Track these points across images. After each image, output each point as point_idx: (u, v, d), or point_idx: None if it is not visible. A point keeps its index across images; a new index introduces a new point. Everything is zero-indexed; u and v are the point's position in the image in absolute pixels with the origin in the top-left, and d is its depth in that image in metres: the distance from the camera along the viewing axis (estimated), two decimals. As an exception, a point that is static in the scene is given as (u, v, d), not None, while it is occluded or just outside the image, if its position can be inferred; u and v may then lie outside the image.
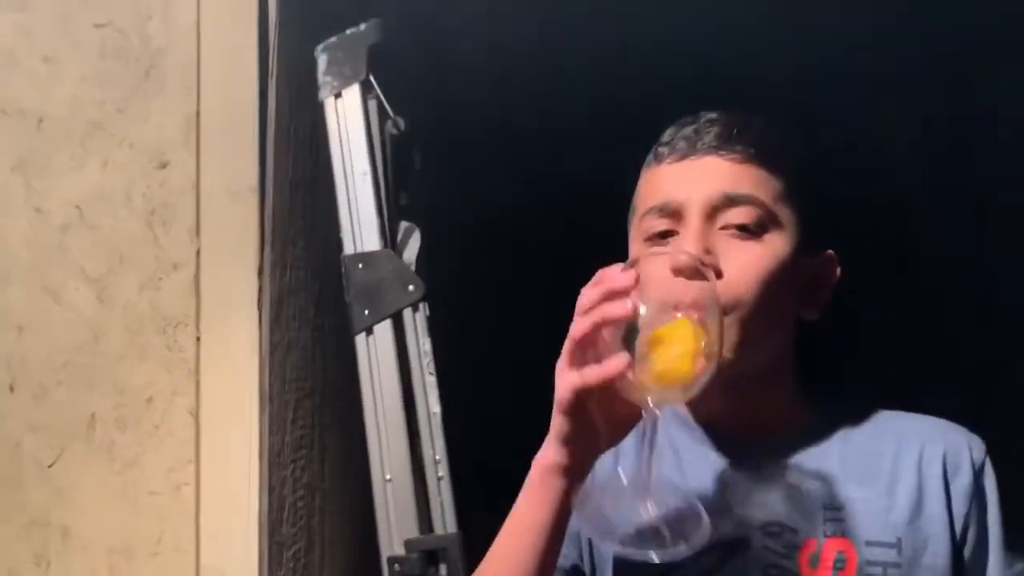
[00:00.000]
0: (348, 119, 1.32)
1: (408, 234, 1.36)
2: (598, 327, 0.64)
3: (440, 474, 1.25)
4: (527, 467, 1.01)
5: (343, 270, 1.29)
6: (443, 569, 1.21)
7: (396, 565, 1.21)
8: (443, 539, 1.22)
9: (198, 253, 1.21)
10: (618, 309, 0.63)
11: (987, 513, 0.78)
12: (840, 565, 0.74)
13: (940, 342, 1.93)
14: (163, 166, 1.22)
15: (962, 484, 0.77)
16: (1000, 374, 1.84)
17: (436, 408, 1.27)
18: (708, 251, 0.75)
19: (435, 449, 1.26)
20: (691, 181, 0.78)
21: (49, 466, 1.19)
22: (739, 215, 0.77)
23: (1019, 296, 1.87)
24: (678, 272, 0.70)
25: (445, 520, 1.23)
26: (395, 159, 1.41)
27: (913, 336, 1.92)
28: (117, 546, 1.18)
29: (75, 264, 1.21)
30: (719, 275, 0.74)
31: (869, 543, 0.75)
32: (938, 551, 0.76)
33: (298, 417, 1.33)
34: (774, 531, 0.76)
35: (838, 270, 0.85)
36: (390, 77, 1.36)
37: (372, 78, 1.32)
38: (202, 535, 1.18)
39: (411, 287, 1.28)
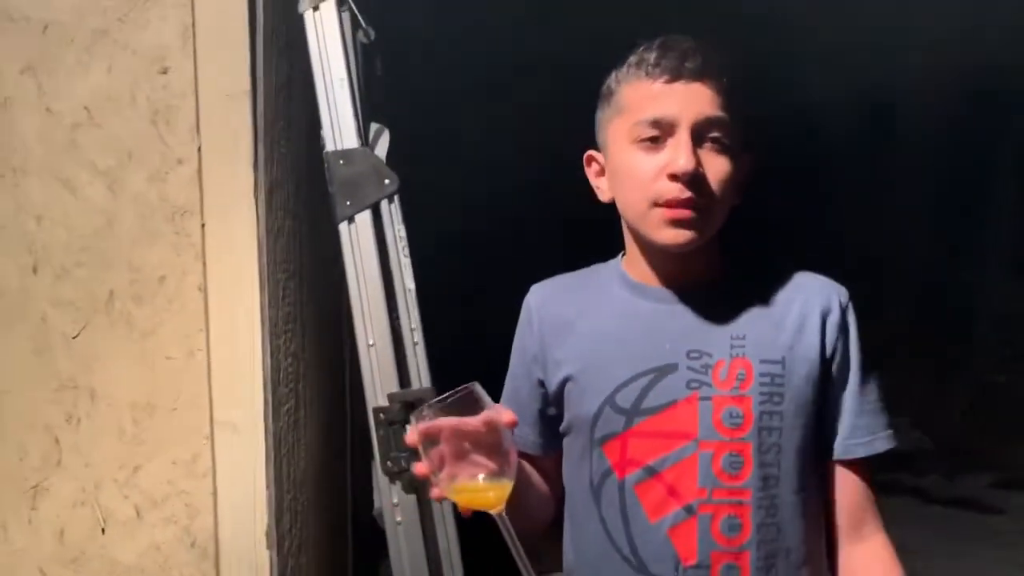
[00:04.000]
0: (326, 30, 1.47)
1: (379, 133, 1.54)
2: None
3: (416, 340, 1.48)
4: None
5: (326, 165, 1.47)
6: (420, 417, 1.45)
7: (381, 414, 1.44)
8: (419, 392, 1.45)
9: (199, 150, 1.36)
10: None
11: (849, 339, 1.05)
12: (741, 376, 1.00)
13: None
14: (164, 71, 1.36)
15: (833, 319, 1.04)
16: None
17: (411, 285, 1.48)
18: (697, 162, 0.98)
19: (411, 319, 1.48)
20: (682, 103, 0.98)
21: (74, 337, 1.36)
22: (717, 133, 0.99)
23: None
24: (680, 176, 0.95)
25: (420, 377, 1.47)
26: (364, 65, 1.58)
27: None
28: (140, 403, 1.37)
29: (86, 159, 1.35)
30: (704, 182, 0.98)
31: (762, 361, 1.01)
32: (812, 366, 1.02)
33: (286, 295, 1.52)
34: (695, 356, 1.01)
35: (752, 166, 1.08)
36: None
37: (345, -8, 1.48)
38: (214, 394, 1.38)
39: (387, 181, 1.47)
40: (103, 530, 1.38)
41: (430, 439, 0.87)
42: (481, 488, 0.88)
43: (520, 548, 0.91)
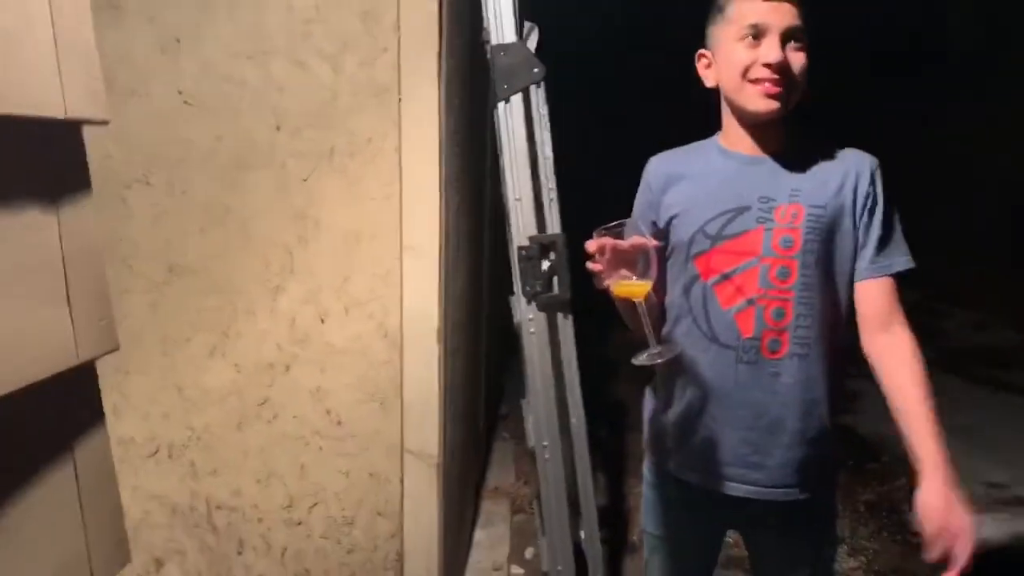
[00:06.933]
0: (494, -53, 1.86)
1: (530, 30, 1.94)
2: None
3: (551, 197, 1.92)
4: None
5: (489, 56, 1.89)
6: (552, 255, 1.91)
7: (523, 251, 1.91)
8: (552, 236, 1.91)
9: (399, 41, 1.80)
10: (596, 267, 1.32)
11: (876, 194, 1.44)
12: (795, 214, 1.42)
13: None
14: (374, -21, 1.78)
15: (864, 180, 1.44)
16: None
17: (549, 153, 1.92)
18: (784, 56, 1.39)
19: (548, 180, 1.92)
20: (774, 14, 1.39)
21: (304, 180, 1.86)
22: (796, 37, 1.40)
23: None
24: (772, 65, 1.37)
25: (553, 224, 1.92)
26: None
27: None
28: (350, 231, 1.87)
29: (315, 46, 1.81)
30: (791, 72, 1.39)
31: (811, 206, 1.43)
32: (847, 212, 1.44)
33: (455, 156, 1.97)
34: (763, 199, 1.44)
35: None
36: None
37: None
38: (404, 226, 1.87)
39: (535, 69, 1.89)
40: (322, 320, 1.91)
41: (600, 249, 1.32)
42: (632, 284, 1.34)
43: (650, 324, 1.38)
